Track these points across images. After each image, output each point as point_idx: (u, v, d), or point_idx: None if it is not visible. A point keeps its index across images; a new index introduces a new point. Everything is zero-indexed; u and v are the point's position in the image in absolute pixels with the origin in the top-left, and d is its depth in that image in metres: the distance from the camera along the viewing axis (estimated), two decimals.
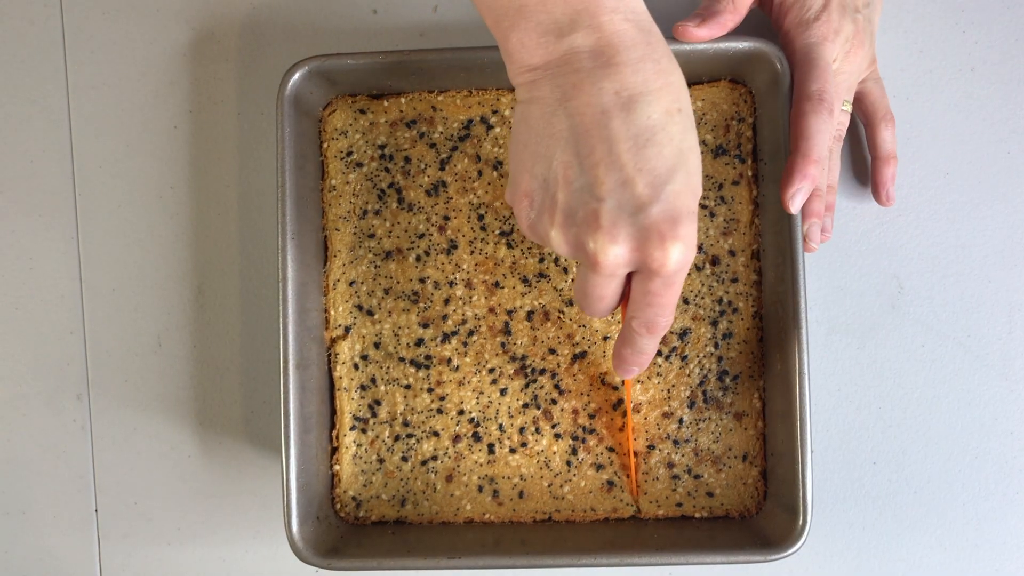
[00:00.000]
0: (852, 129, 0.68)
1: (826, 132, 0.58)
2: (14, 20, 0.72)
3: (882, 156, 0.66)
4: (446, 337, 0.66)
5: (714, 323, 0.65)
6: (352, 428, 0.67)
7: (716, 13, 0.60)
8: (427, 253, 0.66)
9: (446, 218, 0.66)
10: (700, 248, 0.65)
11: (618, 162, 0.45)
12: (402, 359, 0.66)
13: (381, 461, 0.67)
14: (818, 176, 0.58)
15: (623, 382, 0.65)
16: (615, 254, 0.46)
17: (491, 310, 0.66)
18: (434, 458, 0.66)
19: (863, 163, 0.69)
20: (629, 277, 0.50)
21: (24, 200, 0.72)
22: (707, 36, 0.60)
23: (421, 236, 0.67)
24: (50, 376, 0.72)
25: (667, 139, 0.46)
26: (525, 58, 0.47)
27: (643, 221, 0.45)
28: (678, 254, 0.46)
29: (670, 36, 0.61)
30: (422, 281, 0.66)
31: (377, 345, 0.67)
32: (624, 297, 0.51)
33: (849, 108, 0.64)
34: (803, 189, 0.58)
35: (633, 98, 0.45)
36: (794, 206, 0.58)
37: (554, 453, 0.66)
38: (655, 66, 0.46)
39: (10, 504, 0.73)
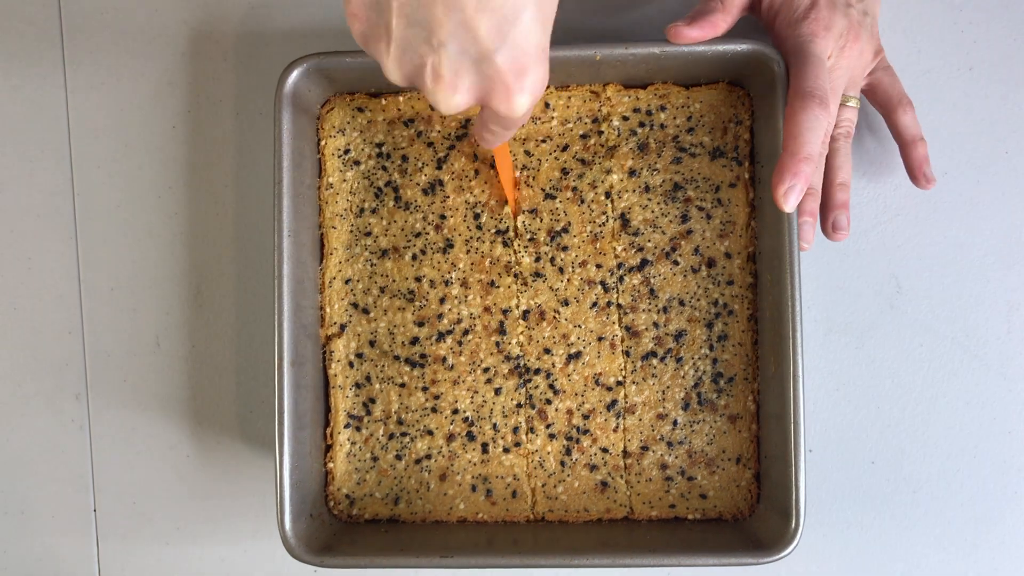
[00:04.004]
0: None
1: (818, 129, 0.57)
2: (14, 20, 0.72)
3: (908, 140, 0.64)
4: (441, 336, 0.66)
5: (709, 325, 0.65)
6: (346, 426, 0.67)
7: (707, 12, 0.60)
8: (423, 252, 0.66)
9: (442, 217, 0.66)
10: (696, 250, 0.65)
11: (459, 1, 0.40)
12: (397, 357, 0.67)
13: (375, 459, 0.67)
14: (811, 173, 0.57)
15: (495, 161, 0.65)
16: (456, 102, 0.43)
17: (486, 309, 0.66)
18: (428, 457, 0.66)
19: (861, 161, 0.68)
20: None
21: (23, 200, 0.72)
22: (699, 36, 0.60)
23: (417, 235, 0.67)
24: (49, 376, 0.73)
25: None
26: None
27: (487, 70, 0.42)
28: (523, 106, 0.43)
29: (664, 39, 0.61)
30: (418, 280, 0.66)
31: (372, 343, 0.67)
32: None
33: (856, 103, 0.63)
34: (795, 187, 0.56)
35: None
36: (787, 204, 0.57)
37: (548, 453, 0.66)
38: None
39: (9, 504, 0.73)
